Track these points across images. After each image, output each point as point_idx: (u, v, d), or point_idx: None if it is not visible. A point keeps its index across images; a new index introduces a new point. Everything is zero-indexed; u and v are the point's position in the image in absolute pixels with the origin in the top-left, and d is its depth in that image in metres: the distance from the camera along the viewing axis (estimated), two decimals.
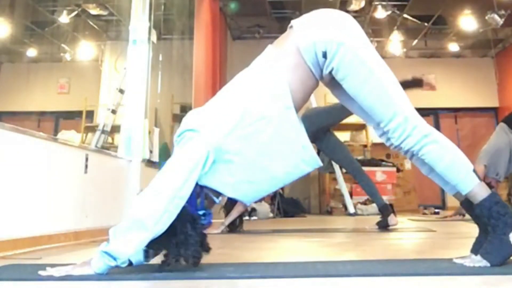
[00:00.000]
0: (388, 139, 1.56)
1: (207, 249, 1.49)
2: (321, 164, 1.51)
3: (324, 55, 1.48)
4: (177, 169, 1.40)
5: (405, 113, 1.49)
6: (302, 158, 1.47)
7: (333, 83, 1.60)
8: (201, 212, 1.50)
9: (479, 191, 1.47)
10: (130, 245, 1.36)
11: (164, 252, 1.45)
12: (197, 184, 1.45)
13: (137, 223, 1.36)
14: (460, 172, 1.48)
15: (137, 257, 1.57)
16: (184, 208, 1.42)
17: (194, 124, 1.47)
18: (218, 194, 1.55)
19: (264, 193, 1.55)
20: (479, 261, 1.44)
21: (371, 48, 1.55)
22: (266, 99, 1.47)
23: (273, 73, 1.49)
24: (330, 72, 1.52)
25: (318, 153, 4.37)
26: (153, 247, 1.43)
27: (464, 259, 1.48)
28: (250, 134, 1.45)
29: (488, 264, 1.42)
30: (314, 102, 5.44)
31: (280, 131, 1.45)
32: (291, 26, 1.58)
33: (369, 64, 1.50)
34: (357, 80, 1.49)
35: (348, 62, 1.48)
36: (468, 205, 1.53)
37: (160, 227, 1.37)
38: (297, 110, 1.51)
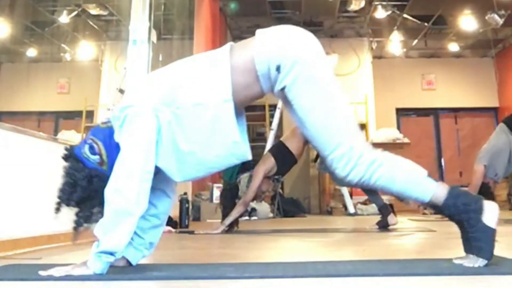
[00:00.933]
0: (334, 171, 1.48)
1: None
2: (250, 157, 1.51)
3: (278, 69, 1.44)
4: (136, 146, 1.41)
5: (351, 142, 1.44)
6: (232, 152, 1.47)
7: (286, 102, 1.55)
8: None
9: (439, 193, 1.45)
10: (123, 235, 1.38)
11: (77, 211, 1.49)
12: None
13: (119, 212, 1.37)
14: (416, 186, 1.45)
15: (134, 254, 1.60)
16: (105, 175, 1.46)
17: (130, 100, 1.47)
18: None
19: (189, 176, 1.52)
20: (476, 260, 1.43)
21: (328, 72, 1.50)
22: (206, 87, 1.46)
23: (221, 66, 1.46)
24: (283, 89, 1.48)
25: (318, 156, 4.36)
26: (72, 199, 1.48)
27: (463, 260, 1.48)
28: (185, 116, 1.44)
29: (486, 261, 1.42)
30: None
31: (215, 121, 1.43)
32: (256, 33, 1.56)
33: (322, 89, 1.45)
34: (307, 103, 1.45)
35: (300, 83, 1.44)
36: (435, 208, 1.51)
37: (142, 206, 1.40)
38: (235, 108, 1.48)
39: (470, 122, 9.73)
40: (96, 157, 1.50)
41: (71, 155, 1.52)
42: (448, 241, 2.53)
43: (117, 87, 5.69)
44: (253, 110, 8.21)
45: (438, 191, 1.45)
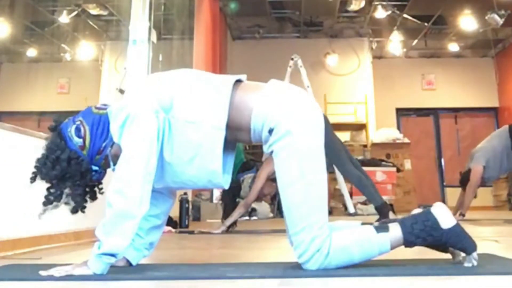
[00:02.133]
0: (294, 249, 1.43)
1: (93, 198, 1.57)
2: (226, 187, 1.52)
3: (270, 132, 1.44)
4: (138, 148, 1.40)
5: (315, 232, 1.38)
6: (209, 179, 1.47)
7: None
8: (94, 168, 1.53)
9: (395, 238, 1.43)
10: (124, 236, 1.37)
11: (48, 186, 1.52)
12: (105, 139, 1.49)
13: (121, 214, 1.37)
14: (372, 246, 1.42)
15: (134, 254, 1.60)
16: (83, 160, 1.48)
17: (131, 100, 1.47)
18: None
19: (164, 183, 1.52)
20: (470, 258, 1.44)
21: (319, 146, 1.47)
22: (203, 109, 1.45)
23: (222, 97, 1.46)
24: (271, 152, 1.48)
25: None
26: (46, 178, 1.51)
27: (459, 260, 1.49)
28: (176, 127, 1.44)
29: (475, 251, 1.43)
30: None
31: (201, 144, 1.43)
32: (268, 82, 1.55)
33: (307, 164, 1.42)
34: (288, 177, 1.43)
35: (288, 153, 1.42)
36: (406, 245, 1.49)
37: (144, 207, 1.39)
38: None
39: (470, 122, 9.73)
40: (80, 140, 1.50)
41: (57, 129, 1.53)
42: None
43: (117, 87, 5.69)
44: None
45: (393, 238, 1.43)
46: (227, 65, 8.25)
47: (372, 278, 1.33)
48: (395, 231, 1.44)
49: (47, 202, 1.52)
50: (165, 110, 1.45)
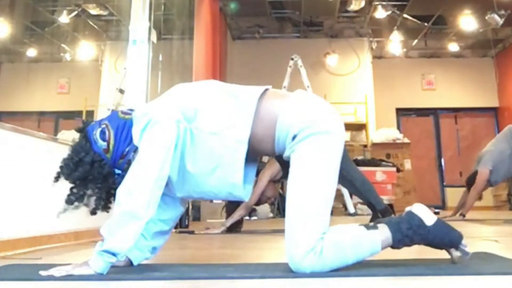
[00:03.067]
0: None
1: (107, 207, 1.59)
2: (246, 200, 1.54)
3: (294, 138, 1.44)
4: (154, 152, 1.41)
5: (311, 244, 1.36)
6: (229, 191, 1.49)
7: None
8: (117, 171, 1.55)
9: (384, 236, 1.43)
10: (127, 238, 1.38)
11: (71, 186, 1.54)
12: (129, 144, 1.52)
13: (128, 214, 1.37)
14: (365, 247, 1.42)
15: (136, 254, 1.60)
16: (106, 164, 1.52)
17: (155, 106, 1.49)
18: None
19: (187, 194, 1.53)
20: (463, 250, 1.47)
21: (338, 157, 1.48)
22: (227, 121, 1.46)
23: (247, 109, 1.46)
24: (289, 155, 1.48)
25: None
26: (71, 177, 1.52)
27: (455, 256, 1.50)
28: (199, 138, 1.46)
29: (463, 241, 1.47)
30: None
31: (223, 156, 1.45)
32: (294, 92, 1.56)
33: (322, 169, 1.43)
34: (301, 174, 1.43)
35: (308, 154, 1.42)
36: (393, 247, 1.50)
37: (151, 211, 1.40)
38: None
39: (470, 122, 9.73)
40: (104, 144, 1.53)
41: (84, 130, 1.57)
42: None
43: (117, 87, 5.69)
44: None
45: (382, 233, 1.43)
46: (227, 65, 8.25)
47: (372, 278, 1.33)
48: (384, 229, 1.45)
49: (69, 202, 1.53)
50: (188, 120, 1.47)
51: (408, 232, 1.44)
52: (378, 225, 1.46)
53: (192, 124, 1.47)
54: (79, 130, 1.58)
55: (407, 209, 1.51)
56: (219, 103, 1.50)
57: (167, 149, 1.42)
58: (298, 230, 1.39)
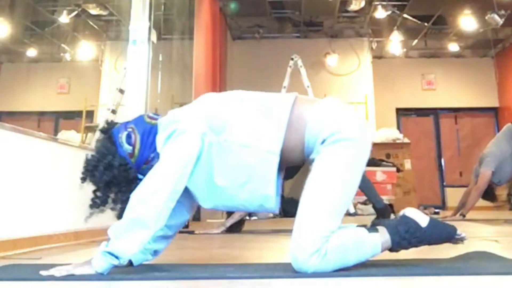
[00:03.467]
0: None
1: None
2: (276, 211, 1.54)
3: (323, 142, 1.44)
4: (174, 164, 1.40)
5: (321, 242, 1.36)
6: (261, 203, 1.47)
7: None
8: (140, 177, 1.52)
9: (384, 239, 1.44)
10: (133, 244, 1.37)
11: (94, 189, 1.52)
12: (153, 150, 1.49)
13: (138, 222, 1.37)
14: (367, 249, 1.42)
15: (138, 256, 1.59)
16: (130, 168, 1.49)
17: (183, 116, 1.47)
18: None
19: (216, 206, 1.52)
20: (458, 238, 1.53)
21: (363, 164, 1.51)
22: (258, 132, 1.45)
23: (280, 119, 1.45)
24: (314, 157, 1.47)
25: None
26: (95, 182, 1.51)
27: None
28: (229, 151, 1.44)
29: (458, 231, 1.52)
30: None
31: (255, 168, 1.43)
32: (323, 99, 1.56)
33: (346, 172, 1.44)
34: (324, 175, 1.43)
35: (335, 156, 1.43)
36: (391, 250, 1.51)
37: (161, 223, 1.39)
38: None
39: (470, 122, 9.73)
40: (129, 148, 1.50)
41: (109, 132, 1.54)
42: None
43: (117, 87, 5.69)
44: None
45: (382, 235, 1.44)
46: (227, 65, 8.24)
47: (372, 278, 1.33)
48: (383, 232, 1.46)
49: (94, 205, 1.52)
50: (216, 132, 1.45)
51: (406, 235, 1.45)
52: (378, 227, 1.47)
53: (220, 136, 1.45)
54: (104, 131, 1.55)
55: (400, 214, 1.53)
56: (250, 114, 1.48)
57: (187, 163, 1.40)
58: (307, 231, 1.39)
